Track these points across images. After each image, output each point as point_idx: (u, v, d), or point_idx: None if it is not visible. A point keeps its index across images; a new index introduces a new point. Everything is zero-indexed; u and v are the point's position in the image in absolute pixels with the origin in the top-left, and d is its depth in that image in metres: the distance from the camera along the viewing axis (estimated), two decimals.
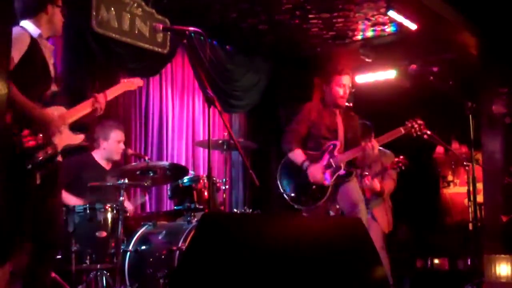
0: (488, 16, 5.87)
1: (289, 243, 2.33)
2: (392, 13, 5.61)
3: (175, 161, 5.93)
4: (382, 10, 5.75)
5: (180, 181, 4.66)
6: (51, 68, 3.23)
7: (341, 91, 4.45)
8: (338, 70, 4.53)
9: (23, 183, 2.99)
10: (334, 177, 4.32)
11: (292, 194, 4.37)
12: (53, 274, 3.56)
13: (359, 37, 6.62)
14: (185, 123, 6.43)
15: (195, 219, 4.33)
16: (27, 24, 3.15)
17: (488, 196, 6.16)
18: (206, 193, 4.55)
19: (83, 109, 3.33)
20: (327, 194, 4.30)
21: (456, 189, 7.72)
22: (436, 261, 7.03)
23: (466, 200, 6.36)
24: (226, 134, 4.86)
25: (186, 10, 5.64)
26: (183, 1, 5.58)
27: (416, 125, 4.48)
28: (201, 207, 4.49)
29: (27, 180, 3.00)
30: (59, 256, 3.85)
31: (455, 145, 6.91)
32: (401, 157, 5.38)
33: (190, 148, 6.44)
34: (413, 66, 4.56)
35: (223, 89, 6.36)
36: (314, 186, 4.32)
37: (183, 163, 6.01)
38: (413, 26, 5.89)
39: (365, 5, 5.72)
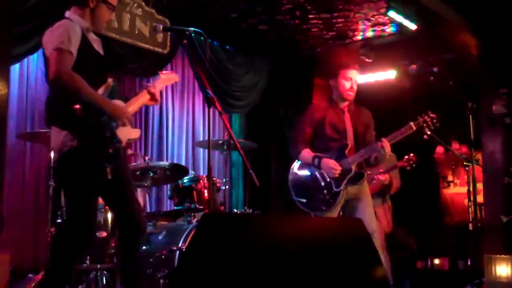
0: (488, 17, 5.88)
1: (289, 243, 2.33)
2: (392, 13, 5.61)
3: (175, 161, 5.93)
4: (382, 10, 5.75)
5: (180, 181, 4.67)
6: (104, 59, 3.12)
7: (347, 84, 4.22)
8: (344, 64, 4.31)
9: (95, 177, 2.93)
10: (345, 181, 4.12)
11: (303, 200, 4.25)
12: None
13: (359, 37, 6.62)
14: (185, 123, 6.43)
15: (195, 219, 4.33)
16: (73, 16, 3.04)
17: (488, 196, 6.17)
18: (206, 193, 4.55)
19: (142, 99, 3.23)
20: (338, 199, 4.11)
21: (456, 189, 7.72)
22: (436, 261, 7.03)
23: (466, 200, 6.36)
24: (226, 134, 4.86)
25: (186, 10, 5.64)
26: (183, 1, 5.58)
27: (428, 119, 4.15)
28: (201, 207, 4.49)
29: (101, 174, 2.93)
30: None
31: (455, 145, 6.91)
32: (411, 154, 5.29)
33: (190, 148, 6.44)
34: (413, 66, 4.52)
35: (223, 89, 6.35)
36: (325, 191, 4.14)
37: (183, 163, 6.01)
38: (413, 26, 5.90)
39: (365, 5, 5.72)
